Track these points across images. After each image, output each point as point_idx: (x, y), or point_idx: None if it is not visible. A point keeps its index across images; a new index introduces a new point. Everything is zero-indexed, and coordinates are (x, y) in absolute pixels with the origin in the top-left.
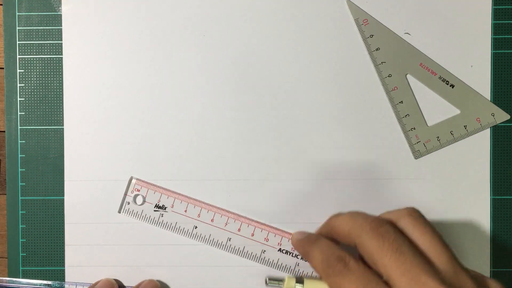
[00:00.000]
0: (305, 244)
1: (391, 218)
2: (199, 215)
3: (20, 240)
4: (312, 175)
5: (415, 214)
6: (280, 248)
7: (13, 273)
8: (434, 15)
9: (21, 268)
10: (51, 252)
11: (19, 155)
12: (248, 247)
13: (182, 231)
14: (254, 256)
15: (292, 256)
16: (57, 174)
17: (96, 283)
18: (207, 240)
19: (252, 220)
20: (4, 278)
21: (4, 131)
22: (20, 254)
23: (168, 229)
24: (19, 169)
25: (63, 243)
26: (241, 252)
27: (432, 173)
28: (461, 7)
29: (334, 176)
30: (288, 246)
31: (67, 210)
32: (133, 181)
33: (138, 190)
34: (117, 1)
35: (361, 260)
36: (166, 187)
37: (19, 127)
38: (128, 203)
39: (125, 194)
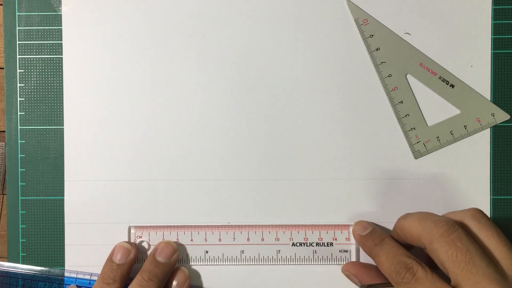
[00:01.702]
0: (369, 245)
1: (455, 219)
2: (206, 239)
3: (20, 240)
4: (312, 175)
5: (479, 215)
6: (293, 243)
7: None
8: (434, 15)
9: None
10: (51, 252)
11: (19, 155)
12: (262, 252)
13: (194, 259)
14: (271, 259)
15: (306, 246)
16: (57, 174)
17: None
18: (221, 260)
19: (258, 226)
20: (4, 263)
21: (4, 131)
22: (20, 254)
23: (181, 262)
24: (19, 169)
25: (63, 243)
26: (257, 259)
27: (432, 173)
28: (461, 7)
29: (334, 176)
30: (300, 238)
31: (67, 210)
32: (132, 230)
33: (140, 237)
34: (117, 1)
35: (428, 261)
36: (166, 187)
37: (19, 127)
38: None
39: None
